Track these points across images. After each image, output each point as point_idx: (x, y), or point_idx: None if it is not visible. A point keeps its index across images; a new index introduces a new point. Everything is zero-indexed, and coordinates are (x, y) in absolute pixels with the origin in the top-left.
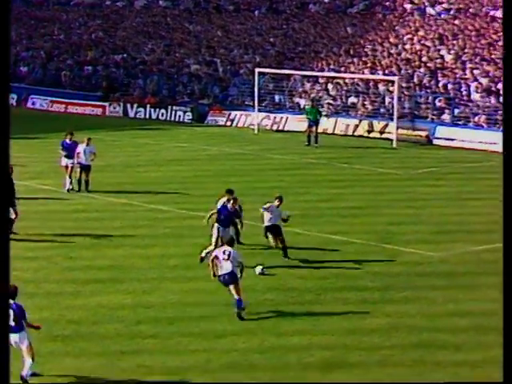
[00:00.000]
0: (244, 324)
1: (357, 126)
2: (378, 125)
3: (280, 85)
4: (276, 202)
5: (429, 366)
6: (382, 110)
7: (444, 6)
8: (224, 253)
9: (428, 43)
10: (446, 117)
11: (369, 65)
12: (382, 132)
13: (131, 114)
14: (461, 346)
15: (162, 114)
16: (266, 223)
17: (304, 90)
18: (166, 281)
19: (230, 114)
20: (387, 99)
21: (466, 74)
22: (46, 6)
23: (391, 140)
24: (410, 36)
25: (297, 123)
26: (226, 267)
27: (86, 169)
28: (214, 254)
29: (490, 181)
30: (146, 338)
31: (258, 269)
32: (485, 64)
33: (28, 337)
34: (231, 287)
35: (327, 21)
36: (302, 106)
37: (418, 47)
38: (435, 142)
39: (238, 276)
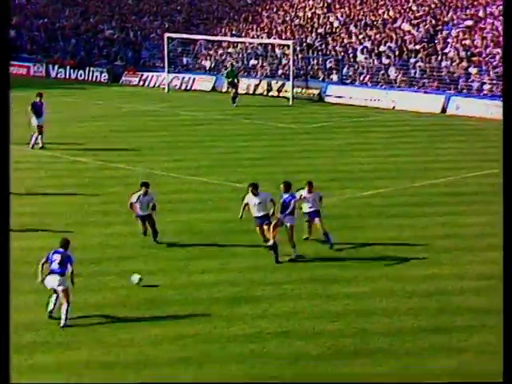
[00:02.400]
0: (157, 264)
1: (257, 85)
2: (275, 84)
3: (187, 49)
4: (306, 189)
5: (323, 299)
6: (279, 71)
7: None
8: (254, 198)
9: (318, 11)
10: (335, 77)
11: (266, 31)
12: (279, 91)
13: (53, 74)
14: (351, 280)
15: (81, 75)
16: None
17: (208, 53)
18: (87, 225)
19: (142, 75)
20: (283, 61)
21: (351, 38)
22: None
23: (288, 98)
24: (302, 5)
25: (203, 83)
26: (259, 211)
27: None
28: (245, 201)
29: (373, 133)
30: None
31: (136, 279)
32: (368, 29)
33: (68, 283)
34: (265, 228)
35: None
36: (207, 68)
37: (309, 15)
38: (326, 99)
39: (270, 215)
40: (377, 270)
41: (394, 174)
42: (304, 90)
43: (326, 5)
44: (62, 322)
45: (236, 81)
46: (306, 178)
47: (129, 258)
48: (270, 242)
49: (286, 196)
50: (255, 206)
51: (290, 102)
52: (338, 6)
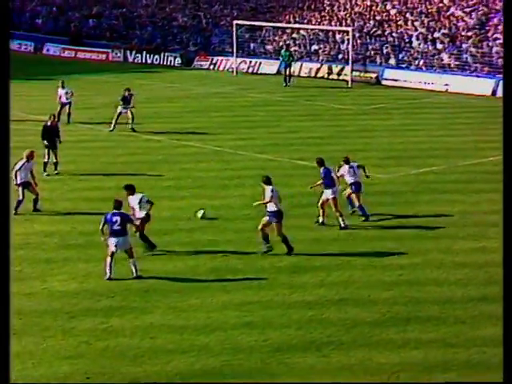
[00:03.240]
0: (225, 235)
1: (318, 69)
2: (335, 68)
3: (254, 35)
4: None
5: (378, 269)
6: (339, 56)
7: None
8: (272, 192)
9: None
10: (392, 61)
11: (327, 18)
12: (339, 74)
13: (130, 59)
14: (404, 252)
15: (156, 59)
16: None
17: (274, 38)
18: (161, 199)
19: (212, 59)
20: (343, 46)
21: (407, 25)
22: None
23: (347, 81)
24: None
25: (268, 67)
26: (273, 206)
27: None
28: (266, 196)
29: (427, 115)
30: (144, 247)
31: (200, 213)
32: (423, 16)
33: (130, 241)
34: (274, 225)
35: None
36: (272, 52)
37: (368, 3)
38: (383, 82)
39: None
40: (429, 242)
41: (446, 153)
42: (362, 74)
43: None
44: (138, 272)
45: (291, 60)
46: (364, 156)
47: (198, 230)
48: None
49: (322, 170)
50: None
51: (349, 85)
52: None
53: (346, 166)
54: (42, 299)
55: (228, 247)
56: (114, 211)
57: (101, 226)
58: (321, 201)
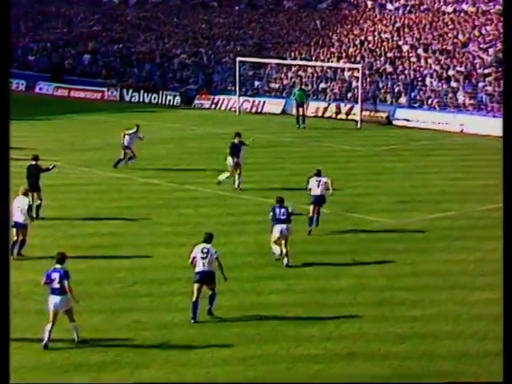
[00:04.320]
0: (226, 284)
1: (326, 108)
2: (344, 107)
3: (258, 72)
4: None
5: (390, 321)
6: (348, 95)
7: (401, 2)
8: (203, 251)
9: (387, 35)
10: (404, 100)
11: (336, 54)
12: (348, 114)
13: (127, 98)
14: (417, 302)
15: (154, 98)
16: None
17: (279, 76)
18: (159, 246)
19: (214, 98)
20: (353, 85)
21: (420, 63)
22: (50, 3)
23: (356, 121)
24: (371, 29)
25: (273, 106)
26: (204, 265)
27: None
28: (192, 255)
29: (441, 157)
30: (141, 297)
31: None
32: (437, 53)
33: (70, 302)
34: (206, 287)
35: (299, 15)
36: (277, 91)
37: (378, 39)
38: (394, 122)
39: (216, 276)
40: (442, 292)
41: (462, 197)
42: (372, 113)
43: (395, 29)
44: (78, 338)
45: (305, 100)
46: (374, 201)
47: None
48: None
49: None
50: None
51: (359, 125)
52: (407, 30)
53: (314, 179)
54: (33, 353)
55: (229, 298)
56: (55, 267)
57: (42, 282)
58: (272, 238)
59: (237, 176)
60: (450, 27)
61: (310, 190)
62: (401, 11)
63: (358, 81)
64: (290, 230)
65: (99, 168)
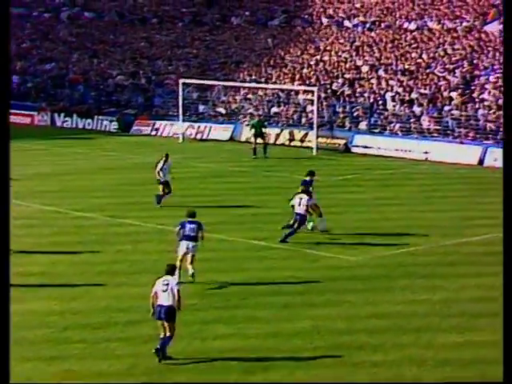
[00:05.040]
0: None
1: (278, 135)
2: (298, 134)
3: (203, 95)
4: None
5: (349, 367)
6: (302, 120)
7: (360, 18)
8: (163, 283)
9: (345, 55)
10: (363, 125)
11: (289, 76)
12: (302, 140)
13: (58, 123)
14: (378, 347)
15: (89, 124)
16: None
17: (227, 100)
18: (93, 287)
19: (154, 124)
20: (307, 109)
21: (381, 84)
22: None
23: (311, 148)
24: (328, 48)
25: (220, 132)
26: (164, 299)
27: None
28: (153, 289)
29: (404, 187)
30: (73, 344)
31: (310, 224)
32: (399, 74)
33: None
34: (165, 324)
35: (248, 33)
36: (224, 116)
37: (335, 59)
38: (353, 149)
39: (176, 310)
40: (406, 335)
41: (427, 231)
42: (329, 140)
43: (353, 48)
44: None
45: (263, 130)
46: (330, 236)
47: (137, 323)
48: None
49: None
50: None
51: (314, 153)
52: (366, 49)
53: (298, 196)
54: None
55: (173, 342)
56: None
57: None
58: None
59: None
60: (413, 46)
61: (292, 206)
62: (360, 28)
63: (313, 104)
64: (196, 248)
65: (28, 200)
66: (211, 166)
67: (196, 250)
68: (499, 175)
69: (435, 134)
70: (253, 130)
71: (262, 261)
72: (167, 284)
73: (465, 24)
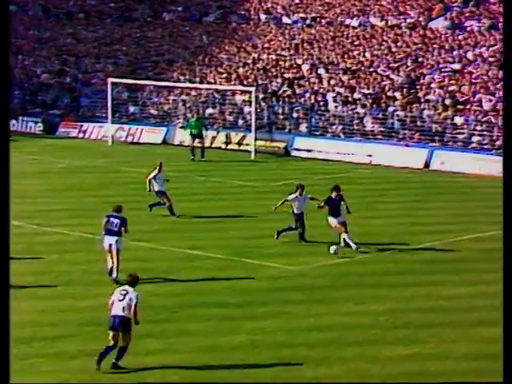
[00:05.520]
0: (98, 344)
1: (214, 137)
2: (235, 136)
3: (134, 95)
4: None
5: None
6: (239, 122)
7: (300, 14)
8: (121, 293)
9: (284, 53)
10: (304, 127)
11: (225, 75)
12: (239, 144)
13: None
14: (321, 360)
15: (13, 125)
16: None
17: (159, 101)
18: (17, 299)
19: (82, 126)
20: (245, 110)
21: (322, 84)
22: None
23: (249, 152)
24: (266, 45)
25: (152, 135)
26: (118, 309)
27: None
28: (111, 298)
29: (346, 192)
30: None
31: (333, 248)
32: (341, 73)
33: None
34: (120, 335)
35: (181, 29)
36: (156, 118)
37: (274, 57)
38: (293, 153)
39: (134, 322)
40: (350, 349)
41: (371, 239)
42: (268, 143)
43: (293, 45)
44: None
45: (203, 131)
46: (270, 244)
47: (65, 337)
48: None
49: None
50: None
51: (252, 157)
52: (306, 47)
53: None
54: None
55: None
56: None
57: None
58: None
59: (345, 235)
60: (356, 43)
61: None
62: (299, 25)
63: (250, 106)
64: (120, 243)
65: None
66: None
67: (120, 245)
68: (446, 179)
69: (379, 136)
70: (189, 130)
71: (196, 271)
72: (125, 294)
73: (409, 20)
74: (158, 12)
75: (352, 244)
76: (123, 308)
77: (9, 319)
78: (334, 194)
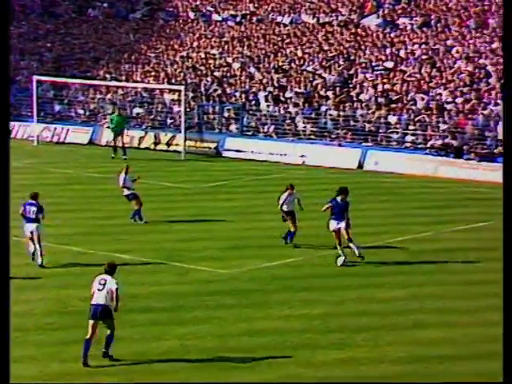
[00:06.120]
0: (25, 349)
1: (142, 138)
2: (164, 137)
3: (60, 94)
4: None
5: None
6: (168, 121)
7: (230, 12)
8: (100, 282)
9: (214, 51)
10: (234, 127)
11: (153, 73)
12: (169, 144)
13: None
14: (253, 366)
15: None
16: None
17: (85, 100)
18: None
19: None
20: (174, 110)
21: (253, 83)
22: None
23: (179, 152)
24: (195, 43)
25: (79, 135)
26: (99, 298)
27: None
28: (92, 287)
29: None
30: None
31: (340, 260)
32: (272, 72)
33: None
34: (101, 322)
35: (107, 26)
36: (83, 117)
37: (203, 55)
38: (224, 153)
39: (113, 310)
40: (283, 353)
41: (305, 241)
42: (198, 143)
43: (223, 43)
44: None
45: (124, 126)
46: (200, 247)
47: None
48: None
49: None
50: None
51: (182, 157)
52: (237, 45)
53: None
54: None
55: (28, 365)
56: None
57: None
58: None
59: (353, 246)
60: (287, 41)
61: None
62: (230, 22)
63: (180, 105)
64: (40, 228)
65: None
66: (68, 172)
67: (40, 230)
68: (380, 179)
69: (312, 137)
70: (110, 126)
71: (125, 275)
72: (104, 283)
73: (341, 18)
74: (82, 8)
75: (356, 250)
76: (103, 297)
77: (9, 319)
78: (340, 198)
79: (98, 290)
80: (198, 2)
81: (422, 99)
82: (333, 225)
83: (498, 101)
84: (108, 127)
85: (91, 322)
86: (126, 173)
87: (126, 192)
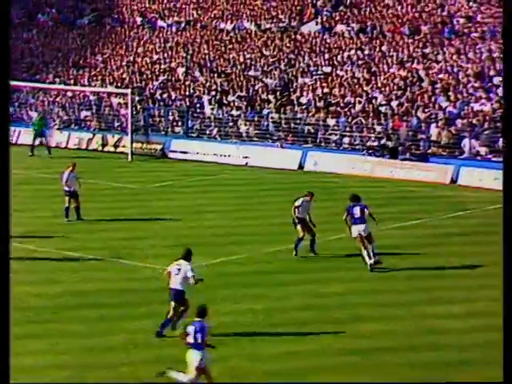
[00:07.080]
0: None
1: (90, 140)
2: (112, 139)
3: (11, 97)
4: (307, 198)
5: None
6: (115, 124)
7: (175, 18)
8: (177, 267)
9: (159, 56)
10: (180, 130)
11: (100, 77)
12: (116, 146)
13: None
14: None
15: None
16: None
17: (35, 102)
18: None
19: None
20: (121, 112)
21: (197, 86)
22: None
23: (126, 154)
24: (141, 49)
25: (29, 137)
26: (176, 283)
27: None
28: (168, 268)
29: (223, 193)
30: None
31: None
32: (215, 76)
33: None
34: (172, 304)
35: (56, 31)
36: (33, 119)
37: (149, 60)
38: (170, 155)
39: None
40: (229, 348)
41: (249, 239)
42: (144, 145)
43: (168, 48)
44: None
45: (44, 128)
46: (146, 245)
47: None
48: None
49: None
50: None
51: (129, 159)
52: (181, 51)
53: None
54: None
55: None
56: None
57: None
58: None
59: (365, 251)
60: (229, 47)
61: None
62: (174, 28)
63: (126, 108)
64: None
65: None
66: (21, 173)
67: None
68: (320, 179)
69: (255, 139)
70: (33, 128)
71: (75, 272)
72: (179, 269)
73: (281, 24)
74: (32, 13)
75: (367, 260)
76: (178, 282)
77: (9, 318)
78: (352, 203)
79: (175, 274)
80: (143, 9)
81: (359, 102)
82: (354, 231)
83: (430, 104)
84: (58, 129)
85: (172, 303)
86: (71, 170)
87: (67, 189)
